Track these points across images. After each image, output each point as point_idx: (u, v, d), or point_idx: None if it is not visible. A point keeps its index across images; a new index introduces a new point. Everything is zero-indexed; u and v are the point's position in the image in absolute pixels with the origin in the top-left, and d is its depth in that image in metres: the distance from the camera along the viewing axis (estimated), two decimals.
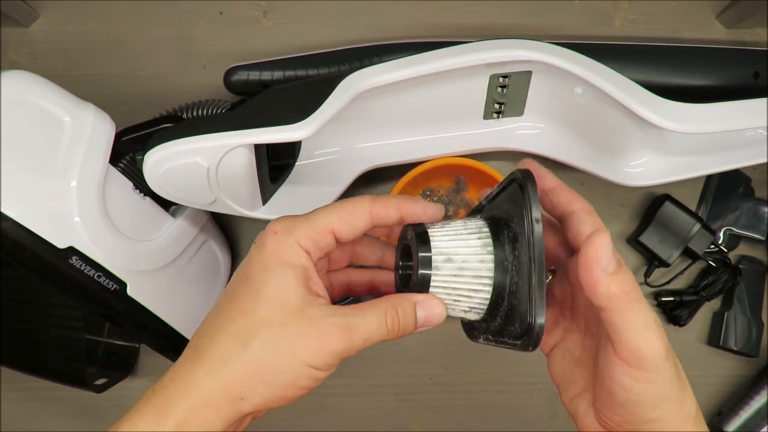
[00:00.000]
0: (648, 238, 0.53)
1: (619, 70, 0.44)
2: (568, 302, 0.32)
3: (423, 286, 0.29)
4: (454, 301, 0.29)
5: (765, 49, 0.52)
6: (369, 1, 0.56)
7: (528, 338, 0.26)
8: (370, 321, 0.27)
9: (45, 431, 0.55)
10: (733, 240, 0.55)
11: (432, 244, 0.29)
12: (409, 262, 0.30)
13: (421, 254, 0.28)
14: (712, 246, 0.54)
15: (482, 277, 0.29)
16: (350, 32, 0.55)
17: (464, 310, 0.30)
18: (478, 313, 0.30)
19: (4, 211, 0.35)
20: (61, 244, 0.37)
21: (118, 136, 0.41)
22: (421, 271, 0.28)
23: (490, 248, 0.29)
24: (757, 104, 0.45)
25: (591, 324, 0.31)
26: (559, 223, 0.30)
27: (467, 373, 0.56)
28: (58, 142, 0.37)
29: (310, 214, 0.29)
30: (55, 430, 0.55)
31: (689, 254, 0.54)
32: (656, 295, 0.55)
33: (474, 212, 0.33)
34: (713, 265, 0.54)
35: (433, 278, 0.28)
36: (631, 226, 0.56)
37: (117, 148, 0.40)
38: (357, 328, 0.26)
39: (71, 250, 0.37)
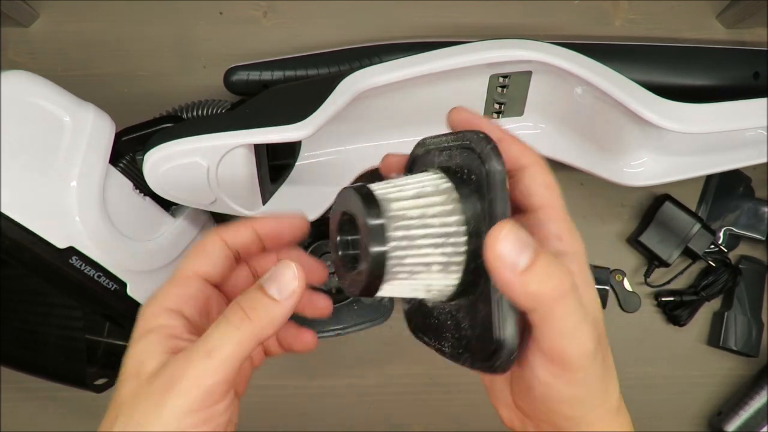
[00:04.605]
0: (648, 238, 0.53)
1: (619, 70, 0.44)
2: None
3: (378, 265, 0.21)
4: (420, 273, 0.23)
5: (765, 49, 0.52)
6: (369, 1, 0.56)
7: (496, 359, 0.22)
8: (218, 335, 0.24)
9: (45, 431, 0.55)
10: (733, 240, 0.55)
11: (382, 206, 0.22)
12: (350, 237, 0.24)
13: (370, 222, 0.21)
14: (712, 246, 0.54)
15: (453, 238, 0.23)
16: (350, 32, 0.55)
17: (429, 288, 0.24)
18: (448, 288, 0.24)
19: (4, 211, 0.35)
20: (61, 244, 0.37)
21: (118, 136, 0.41)
22: (373, 249, 0.21)
23: (457, 204, 0.23)
24: (757, 104, 0.45)
25: None
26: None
27: (467, 373, 0.55)
28: (58, 142, 0.37)
29: (174, 272, 0.28)
30: (55, 430, 0.55)
31: (689, 254, 0.54)
32: (656, 295, 0.55)
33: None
34: (713, 265, 0.54)
35: (391, 253, 0.22)
36: (631, 226, 0.56)
37: (117, 148, 0.40)
38: (211, 351, 0.23)
39: (71, 250, 0.37)
